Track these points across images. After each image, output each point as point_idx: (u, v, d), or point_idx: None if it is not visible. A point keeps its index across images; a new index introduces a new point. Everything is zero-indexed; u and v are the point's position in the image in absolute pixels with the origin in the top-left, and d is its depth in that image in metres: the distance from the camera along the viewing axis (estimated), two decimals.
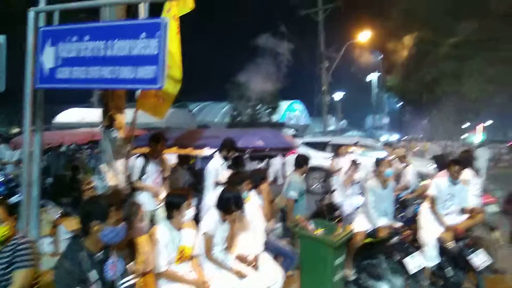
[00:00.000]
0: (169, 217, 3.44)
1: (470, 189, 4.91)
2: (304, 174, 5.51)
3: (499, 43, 22.05)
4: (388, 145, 8.27)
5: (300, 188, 5.28)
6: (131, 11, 4.38)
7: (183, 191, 3.63)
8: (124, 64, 3.26)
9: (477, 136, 33.08)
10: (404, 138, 34.50)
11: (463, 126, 36.58)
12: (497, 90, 24.41)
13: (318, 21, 20.29)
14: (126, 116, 4.54)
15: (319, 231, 4.51)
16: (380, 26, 23.17)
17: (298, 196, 5.21)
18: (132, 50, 3.23)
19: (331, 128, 27.98)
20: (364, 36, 19.96)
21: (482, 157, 12.19)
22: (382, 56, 32.95)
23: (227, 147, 5.24)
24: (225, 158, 5.25)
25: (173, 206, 3.42)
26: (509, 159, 21.89)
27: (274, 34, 19.16)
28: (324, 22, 20.33)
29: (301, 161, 5.46)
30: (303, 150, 9.77)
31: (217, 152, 5.32)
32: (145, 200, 4.65)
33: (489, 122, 37.90)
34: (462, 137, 36.73)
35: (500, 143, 24.37)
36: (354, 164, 6.55)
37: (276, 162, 9.35)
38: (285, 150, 7.26)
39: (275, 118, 25.91)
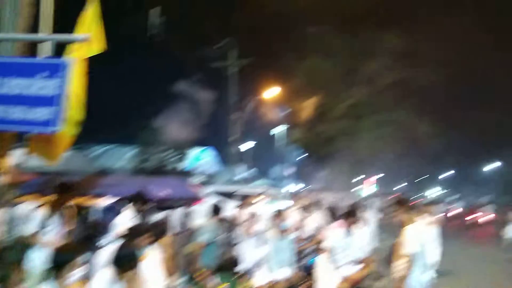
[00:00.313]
0: (56, 277, 3.05)
1: (362, 239, 5.32)
2: (218, 222, 5.48)
3: (386, 108, 25.44)
4: (292, 195, 8.66)
5: (212, 235, 5.20)
6: (34, 49, 4.10)
7: (73, 246, 3.29)
8: (17, 104, 3.01)
9: (370, 188, 36.49)
10: (306, 188, 36.44)
11: (358, 178, 40.08)
12: (386, 147, 27.65)
13: (230, 74, 21.25)
14: (13, 158, 4.07)
15: (224, 286, 4.41)
16: (288, 83, 25.10)
17: (209, 242, 5.11)
18: (27, 89, 3.01)
19: (241, 176, 28.49)
20: (273, 91, 21.47)
21: (373, 208, 13.42)
22: (288, 110, 35.37)
23: (141, 199, 4.94)
24: (139, 211, 4.94)
25: (60, 264, 3.06)
26: (394, 210, 24.39)
27: (189, 81, 19.48)
28: (237, 74, 21.38)
29: (216, 209, 5.47)
30: (212, 199, 9.71)
31: (129, 204, 4.99)
32: (41, 257, 4.09)
33: (381, 175, 42.21)
34: (356, 188, 40.09)
35: (388, 195, 27.26)
36: (253, 215, 6.65)
37: (181, 212, 9.09)
38: (192, 199, 7.14)
39: (184, 165, 25.53)
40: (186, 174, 21.93)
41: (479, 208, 30.54)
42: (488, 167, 42.72)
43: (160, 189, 5.86)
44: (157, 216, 7.57)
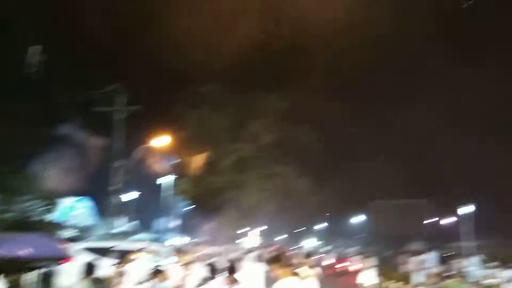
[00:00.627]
0: None
1: None
2: (92, 283, 4.93)
3: (268, 162, 27.09)
4: (176, 250, 8.35)
5: None
6: None
7: None
8: None
9: (253, 240, 37.18)
10: (191, 241, 35.43)
11: (243, 230, 40.60)
12: (269, 200, 28.98)
13: (116, 120, 20.33)
14: None
15: None
16: (177, 133, 25.03)
17: None
18: None
19: (120, 229, 26.38)
20: (161, 140, 21.02)
21: (256, 260, 13.62)
22: (176, 161, 34.89)
23: None
24: None
25: None
26: (270, 264, 25.15)
27: (69, 124, 18.00)
28: (124, 121, 20.53)
29: (90, 267, 4.93)
30: (84, 257, 8.73)
31: None
32: None
33: (264, 227, 43.44)
34: (241, 240, 40.43)
35: (270, 246, 28.11)
36: (121, 274, 6.26)
37: (46, 273, 7.96)
38: (59, 257, 6.35)
39: (53, 217, 22.65)
40: (54, 227, 19.42)
41: (348, 257, 33.39)
42: (356, 219, 47.85)
43: (19, 247, 5.09)
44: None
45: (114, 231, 21.70)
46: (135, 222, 31.12)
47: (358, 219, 47.76)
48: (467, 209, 29.50)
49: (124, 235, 25.04)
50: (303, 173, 29.17)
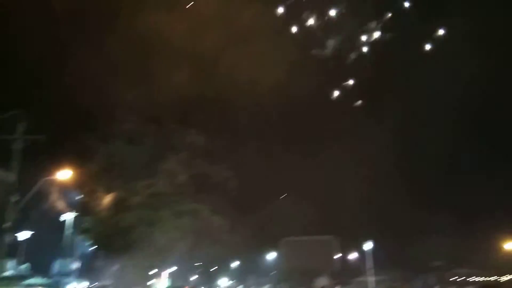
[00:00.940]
0: None
1: None
2: None
3: (183, 199, 26.54)
4: None
5: None
6: None
7: None
8: None
9: (163, 282, 35.24)
10: (93, 286, 32.30)
11: (153, 272, 38.29)
12: (184, 238, 28.08)
13: (14, 149, 18.33)
14: None
15: None
16: (84, 166, 23.40)
17: None
18: None
19: (9, 273, 23.03)
20: (65, 173, 19.26)
21: None
22: (81, 196, 32.25)
23: None
24: None
25: None
26: None
27: None
28: (24, 151, 18.55)
29: None
30: None
31: None
32: None
33: (174, 268, 41.52)
34: (149, 283, 37.99)
35: None
36: None
37: None
38: None
39: None
40: None
41: None
42: (269, 257, 48.41)
43: None
44: None
45: (3, 274, 18.98)
46: (27, 265, 27.55)
47: (270, 256, 48.41)
48: (368, 245, 31.86)
49: (15, 279, 22.00)
50: (218, 211, 29.12)
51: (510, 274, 40.05)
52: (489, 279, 42.58)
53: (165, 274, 36.53)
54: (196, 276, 47.47)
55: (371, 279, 33.89)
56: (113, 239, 30.33)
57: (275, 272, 49.44)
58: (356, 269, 39.41)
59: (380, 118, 39.88)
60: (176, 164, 28.87)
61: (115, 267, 39.12)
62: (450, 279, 42.47)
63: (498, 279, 41.48)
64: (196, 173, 29.72)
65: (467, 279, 42.52)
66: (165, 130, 29.46)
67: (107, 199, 26.61)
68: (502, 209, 34.39)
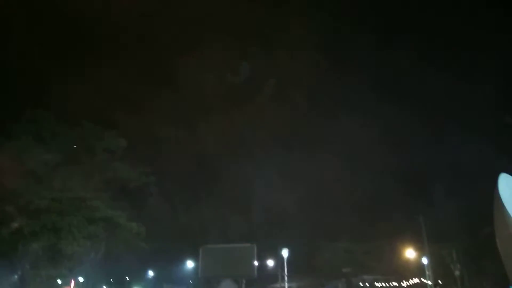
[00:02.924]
0: None
1: None
2: None
3: (97, 204, 25.05)
4: None
5: None
6: None
7: None
8: None
9: None
10: None
11: (59, 283, 35.55)
12: (94, 245, 26.45)
13: None
14: None
15: None
16: None
17: None
18: None
19: None
20: None
21: None
22: None
23: None
24: None
25: None
26: None
27: None
28: None
29: None
30: None
31: None
32: None
33: (85, 278, 38.96)
34: None
35: None
36: None
37: None
38: None
39: None
40: None
41: None
42: (186, 265, 47.84)
43: None
44: None
45: None
46: None
47: (188, 264, 47.78)
48: (284, 252, 32.90)
49: None
50: (134, 217, 28.00)
51: (409, 280, 44.18)
52: (391, 284, 46.50)
53: (72, 285, 34.10)
54: (109, 286, 45.15)
55: (285, 285, 35.01)
56: (15, 246, 27.62)
57: (192, 280, 48.86)
58: (272, 276, 40.42)
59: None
60: (91, 167, 27.32)
61: (15, 277, 35.59)
62: (358, 284, 45.59)
63: (400, 285, 45.55)
64: (113, 177, 28.38)
65: (373, 284, 46.03)
66: (84, 129, 27.77)
67: (6, 202, 24.18)
68: (403, 220, 37.62)
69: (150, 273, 47.39)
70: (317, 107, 48.95)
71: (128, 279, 46.02)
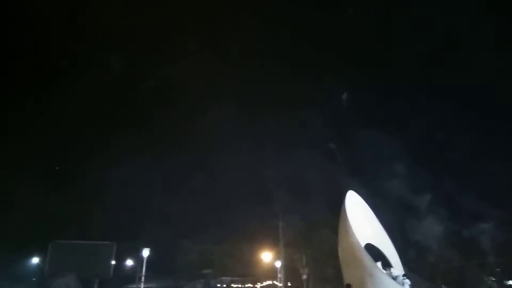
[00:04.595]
0: None
1: None
2: None
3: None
4: None
5: None
6: None
7: None
8: None
9: None
10: None
11: None
12: None
13: None
14: None
15: None
16: None
17: None
18: None
19: None
20: None
21: None
22: None
23: None
24: None
25: None
26: None
27: None
28: None
29: None
30: None
31: None
32: None
33: None
34: None
35: None
36: None
37: None
38: None
39: None
40: None
41: None
42: (30, 261, 42.68)
43: None
44: None
45: None
46: None
47: (33, 260, 42.51)
48: (145, 252, 31.72)
49: None
50: None
51: (263, 282, 47.08)
52: (247, 285, 48.87)
53: None
54: None
55: (141, 286, 33.82)
56: None
57: (37, 277, 43.56)
58: (130, 276, 38.62)
59: None
60: None
61: None
62: (216, 286, 46.70)
63: (255, 286, 48.20)
64: None
65: (230, 285, 47.70)
66: None
67: None
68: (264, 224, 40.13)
69: None
70: None
71: None
